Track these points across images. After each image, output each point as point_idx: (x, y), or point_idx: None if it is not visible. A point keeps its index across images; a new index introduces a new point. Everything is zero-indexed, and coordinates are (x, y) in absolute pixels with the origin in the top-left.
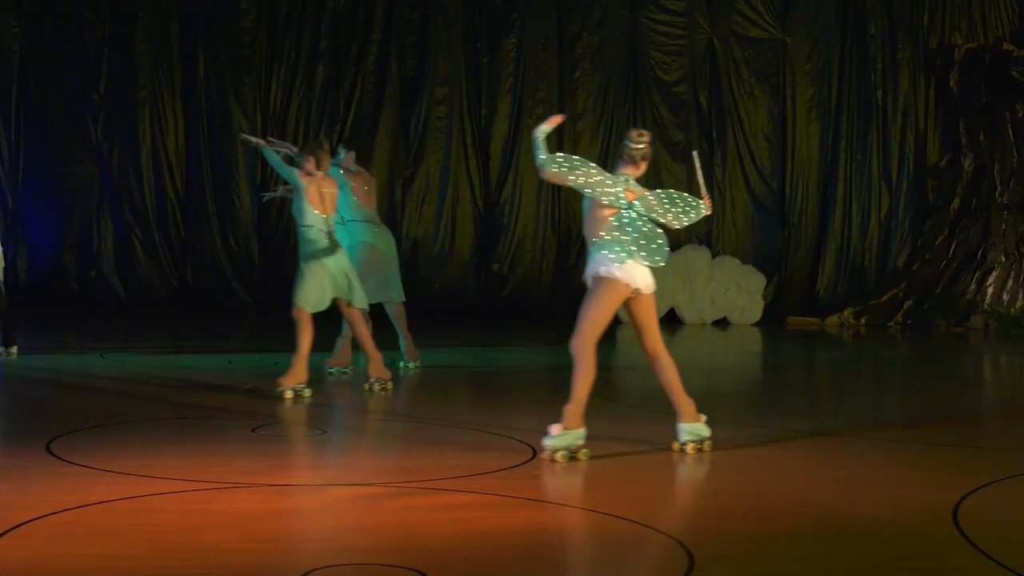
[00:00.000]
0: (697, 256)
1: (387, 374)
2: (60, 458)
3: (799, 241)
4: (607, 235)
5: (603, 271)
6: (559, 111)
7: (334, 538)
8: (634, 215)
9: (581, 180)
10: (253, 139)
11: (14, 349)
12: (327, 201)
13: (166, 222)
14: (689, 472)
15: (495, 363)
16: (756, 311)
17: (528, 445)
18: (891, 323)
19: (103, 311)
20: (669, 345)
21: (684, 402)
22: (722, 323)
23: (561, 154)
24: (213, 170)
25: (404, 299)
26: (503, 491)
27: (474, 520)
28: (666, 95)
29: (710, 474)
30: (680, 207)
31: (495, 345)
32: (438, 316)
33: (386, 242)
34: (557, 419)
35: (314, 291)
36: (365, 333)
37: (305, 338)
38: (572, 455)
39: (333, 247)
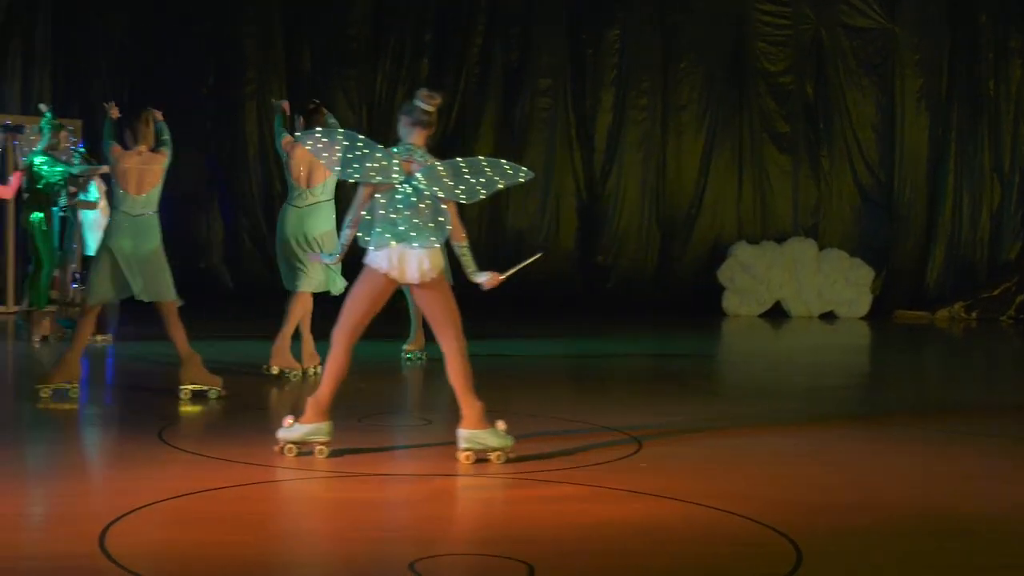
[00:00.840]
0: (803, 248)
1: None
2: (173, 445)
3: (907, 234)
4: (372, 216)
5: (365, 258)
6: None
7: (439, 528)
8: (410, 190)
9: (336, 157)
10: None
11: (109, 336)
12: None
13: (272, 214)
14: (795, 467)
15: (599, 355)
16: (864, 304)
17: (633, 437)
18: (1003, 317)
19: (211, 301)
20: (775, 339)
21: (468, 405)
22: (829, 316)
23: (320, 129)
24: None
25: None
26: (608, 483)
27: (580, 512)
28: (772, 86)
29: (816, 469)
30: (488, 175)
31: (598, 337)
32: (541, 308)
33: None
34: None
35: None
36: None
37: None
38: (305, 450)
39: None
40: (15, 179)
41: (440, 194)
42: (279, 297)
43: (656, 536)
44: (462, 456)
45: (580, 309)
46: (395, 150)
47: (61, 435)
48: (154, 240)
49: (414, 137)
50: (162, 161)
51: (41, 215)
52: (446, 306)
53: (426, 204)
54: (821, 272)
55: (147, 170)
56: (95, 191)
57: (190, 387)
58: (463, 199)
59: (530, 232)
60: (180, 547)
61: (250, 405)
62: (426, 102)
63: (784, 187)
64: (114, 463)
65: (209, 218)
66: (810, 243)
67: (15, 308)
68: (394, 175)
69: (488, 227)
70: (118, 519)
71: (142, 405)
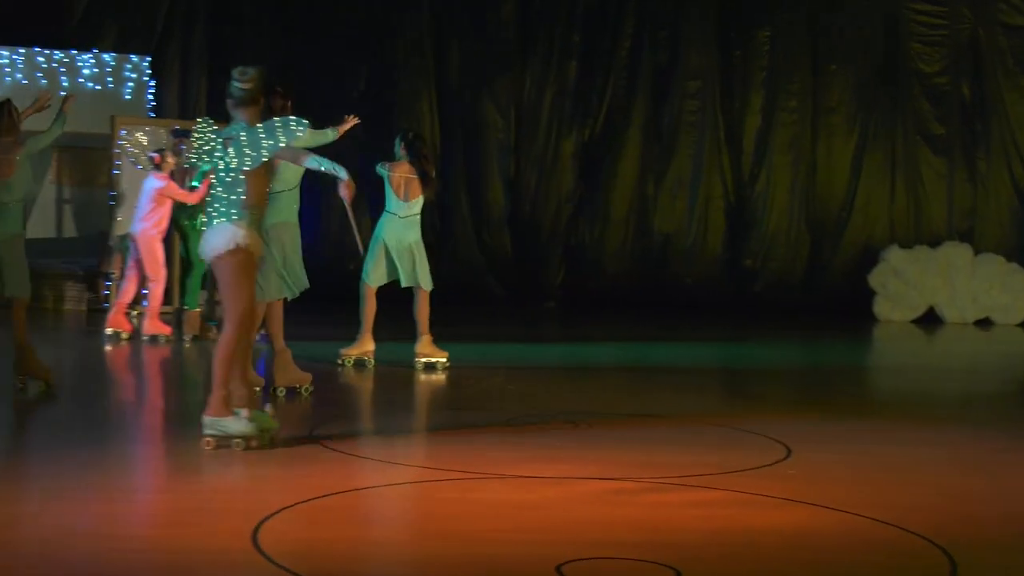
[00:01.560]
0: (958, 253)
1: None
2: (325, 445)
3: None
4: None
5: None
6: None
7: (586, 531)
8: (222, 167)
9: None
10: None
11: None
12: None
13: (421, 216)
14: (948, 477)
15: (746, 359)
16: (1021, 311)
17: (781, 443)
18: None
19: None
20: (928, 345)
21: (216, 390)
22: (984, 323)
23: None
24: (467, 166)
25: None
26: (756, 490)
27: (727, 518)
28: (927, 87)
29: (971, 479)
30: (276, 136)
31: (745, 341)
32: (689, 311)
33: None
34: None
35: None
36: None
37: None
38: (226, 444)
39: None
40: (203, 186)
41: (234, 164)
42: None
43: (807, 545)
44: (203, 443)
45: (727, 312)
46: (227, 130)
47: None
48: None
49: (240, 115)
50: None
51: (201, 216)
52: (228, 286)
53: (231, 178)
54: (976, 277)
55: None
56: None
57: None
58: (248, 165)
59: (677, 236)
60: (330, 545)
61: (401, 405)
62: (239, 79)
63: (938, 190)
64: (267, 460)
65: (359, 220)
66: (965, 247)
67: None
68: (216, 155)
69: (635, 231)
70: (271, 515)
71: (294, 404)
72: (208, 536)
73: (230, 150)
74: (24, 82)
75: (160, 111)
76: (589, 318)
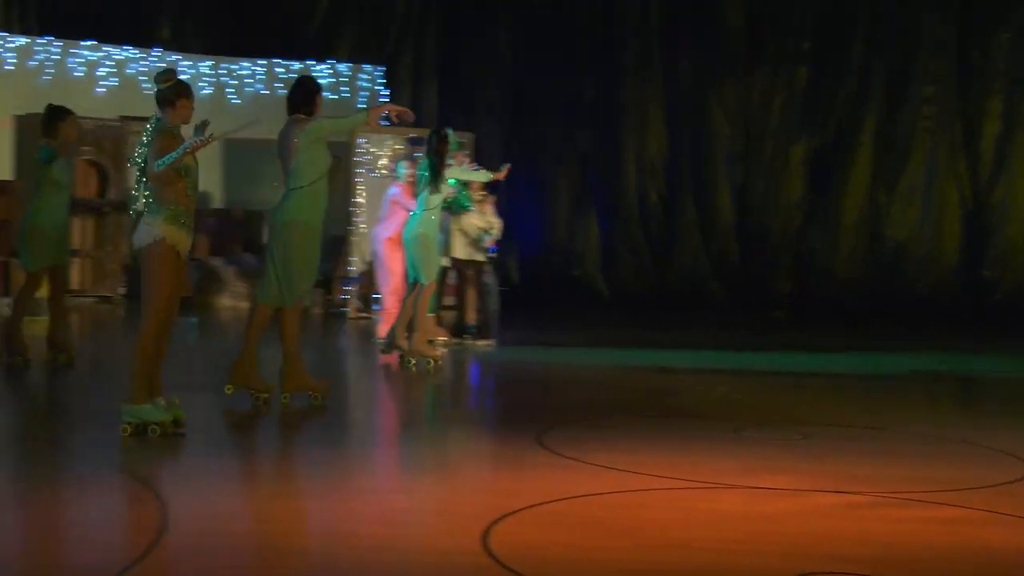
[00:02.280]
0: None
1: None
2: (550, 450)
3: None
4: None
5: None
6: None
7: (817, 545)
8: (141, 165)
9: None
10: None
11: (492, 342)
12: None
13: (648, 224)
14: None
15: (982, 370)
16: None
17: (1020, 460)
18: None
19: (586, 309)
20: None
21: (134, 379)
22: None
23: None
24: (693, 172)
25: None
26: (993, 507)
27: (963, 536)
28: None
29: None
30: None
31: (983, 351)
32: (922, 320)
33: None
34: None
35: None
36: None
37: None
38: (142, 430)
39: None
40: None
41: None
42: (650, 307)
43: None
44: (120, 430)
45: (963, 322)
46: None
47: (444, 435)
48: None
49: (160, 114)
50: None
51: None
52: (146, 278)
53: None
54: None
55: None
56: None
57: None
58: (143, 165)
59: (910, 243)
60: (559, 550)
61: (622, 410)
62: (157, 81)
63: None
64: (495, 464)
65: (586, 226)
66: None
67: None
68: (138, 152)
69: (866, 238)
70: (500, 519)
71: (520, 408)
72: (440, 537)
73: (142, 149)
74: (264, 92)
75: (391, 120)
76: (817, 326)
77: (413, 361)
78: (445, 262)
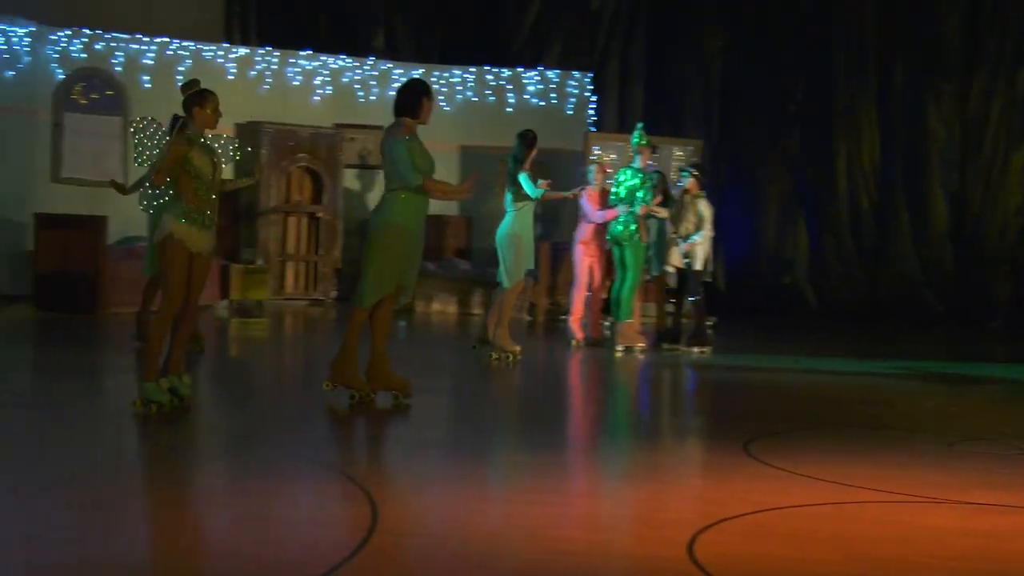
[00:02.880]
0: None
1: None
2: (757, 459)
3: None
4: None
5: None
6: None
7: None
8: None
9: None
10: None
11: (707, 349)
12: None
13: (859, 231)
14: None
15: None
16: None
17: None
18: None
19: (794, 317)
20: None
21: (147, 358)
22: None
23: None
24: (906, 179)
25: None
26: None
27: None
28: None
29: None
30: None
31: None
32: None
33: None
34: None
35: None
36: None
37: None
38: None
39: None
40: (610, 212)
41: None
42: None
43: None
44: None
45: None
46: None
47: (649, 441)
48: None
49: (191, 124)
50: None
51: (634, 227)
52: (163, 268)
53: None
54: None
55: None
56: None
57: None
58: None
59: None
60: (767, 562)
61: (824, 421)
62: (183, 89)
63: None
64: (701, 472)
65: (795, 234)
66: None
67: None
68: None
69: None
70: (706, 528)
71: (727, 416)
72: (644, 544)
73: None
74: (474, 99)
75: (600, 126)
76: None
77: (496, 356)
78: (669, 269)
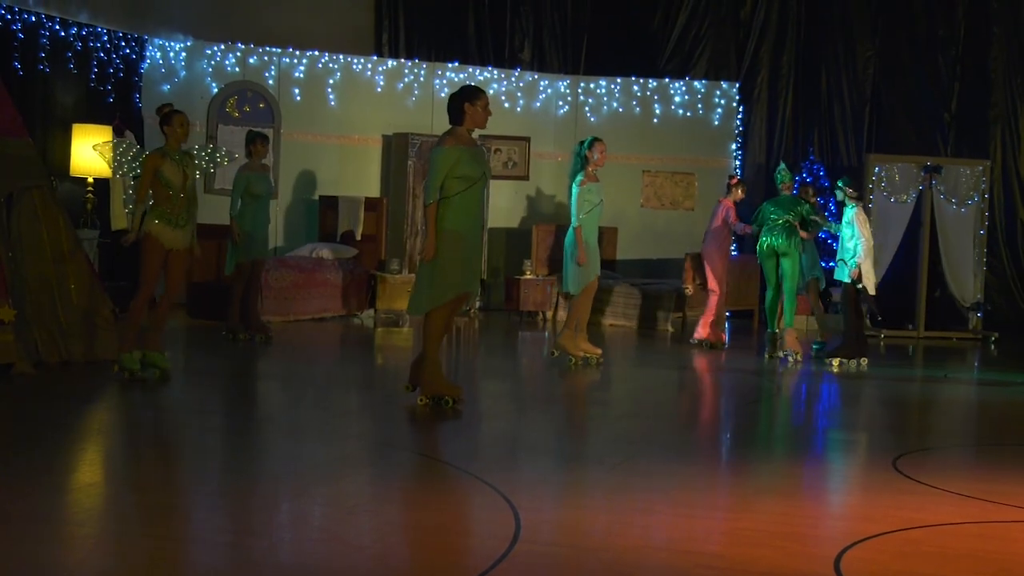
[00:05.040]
0: None
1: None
2: (907, 476)
3: None
4: None
5: None
6: None
7: None
8: None
9: None
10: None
11: (864, 361)
12: None
13: (1014, 242)
14: None
15: None
16: None
17: None
18: None
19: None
20: None
21: (124, 332)
22: None
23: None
24: None
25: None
26: None
27: None
28: None
29: None
30: None
31: None
32: None
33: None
34: None
35: None
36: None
37: None
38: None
39: None
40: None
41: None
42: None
43: None
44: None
45: None
46: None
47: (795, 454)
48: None
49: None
50: None
51: (795, 238)
52: (141, 264)
53: None
54: None
55: None
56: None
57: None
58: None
59: None
60: None
61: (989, 435)
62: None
63: None
64: (848, 488)
65: None
66: None
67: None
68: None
69: None
70: (853, 544)
71: (877, 430)
72: (789, 559)
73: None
74: (620, 110)
75: (746, 137)
76: None
77: (557, 352)
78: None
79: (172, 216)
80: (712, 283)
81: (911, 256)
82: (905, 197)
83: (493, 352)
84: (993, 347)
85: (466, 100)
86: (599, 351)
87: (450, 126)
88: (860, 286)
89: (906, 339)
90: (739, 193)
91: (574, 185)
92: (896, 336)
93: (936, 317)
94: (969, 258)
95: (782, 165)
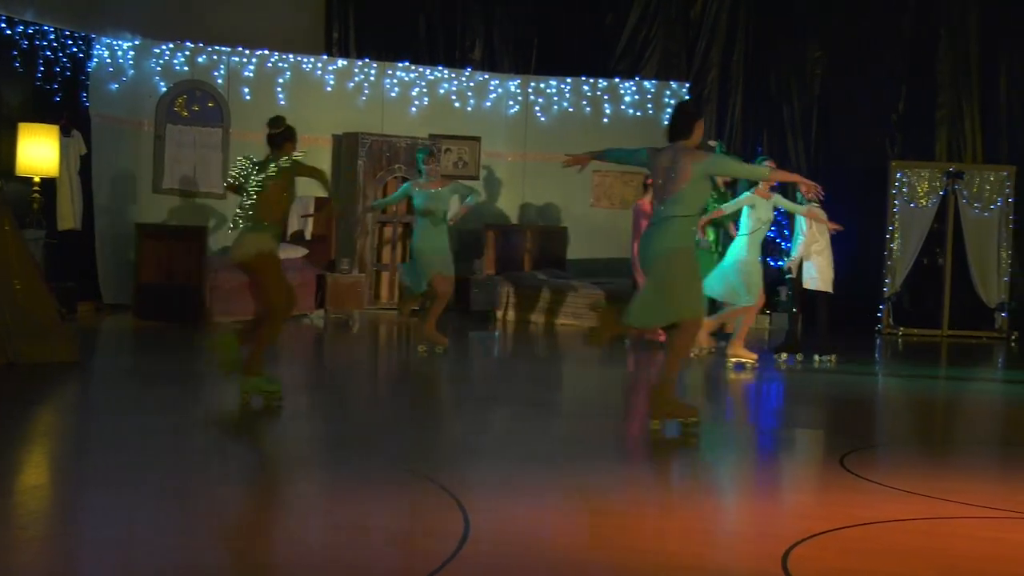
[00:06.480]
0: None
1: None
2: (854, 473)
3: None
4: None
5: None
6: None
7: None
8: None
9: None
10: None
11: (831, 357)
12: None
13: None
14: None
15: None
16: None
17: None
18: None
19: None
20: None
21: (251, 356)
22: None
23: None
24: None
25: None
26: None
27: None
28: None
29: None
30: None
31: None
32: None
33: None
34: None
35: None
36: None
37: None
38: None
39: None
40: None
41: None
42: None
43: None
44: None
45: None
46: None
47: (745, 453)
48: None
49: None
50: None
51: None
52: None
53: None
54: None
55: None
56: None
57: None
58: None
59: None
60: None
61: (939, 432)
62: (269, 126)
63: None
64: (798, 486)
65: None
66: None
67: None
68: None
69: None
70: (800, 542)
71: (827, 428)
72: (738, 558)
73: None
74: (570, 110)
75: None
76: None
77: (732, 361)
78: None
79: (278, 233)
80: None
81: (929, 258)
82: (926, 202)
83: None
84: (1014, 345)
85: (698, 118)
86: (755, 356)
87: (673, 141)
88: (788, 276)
89: (930, 338)
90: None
91: (745, 195)
92: (918, 334)
93: (965, 318)
94: (993, 260)
95: (719, 142)
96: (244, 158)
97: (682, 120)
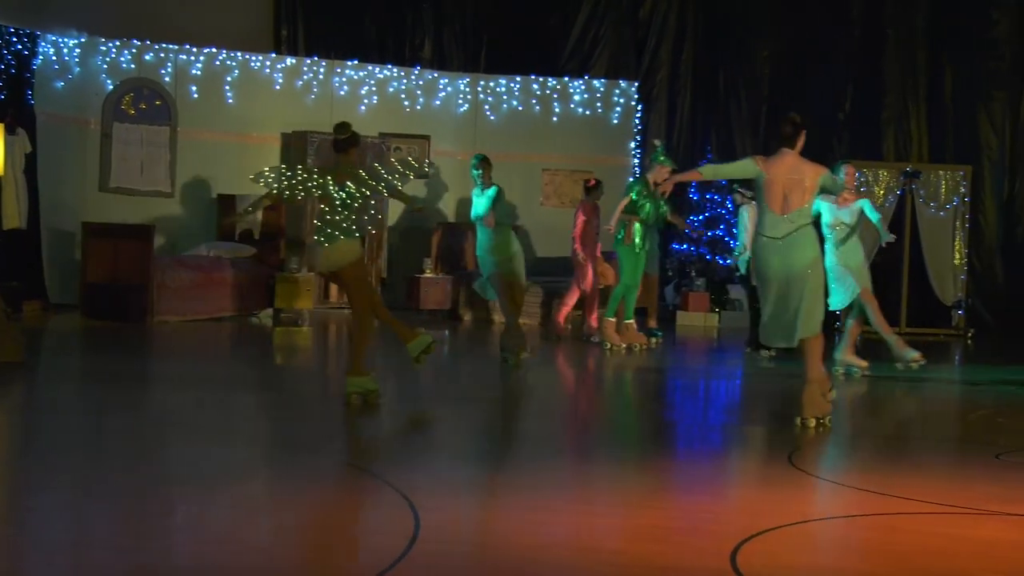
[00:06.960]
0: None
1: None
2: (802, 470)
3: None
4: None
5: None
6: None
7: None
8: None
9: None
10: None
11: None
12: None
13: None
14: None
15: None
16: None
17: None
18: None
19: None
20: None
21: (355, 358)
22: None
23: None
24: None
25: None
26: None
27: None
28: None
29: None
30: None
31: None
32: None
33: None
34: None
35: None
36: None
37: None
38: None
39: None
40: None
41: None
42: None
43: None
44: (354, 399)
45: None
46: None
47: (694, 450)
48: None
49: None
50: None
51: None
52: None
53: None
54: None
55: None
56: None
57: None
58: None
59: None
60: (808, 572)
61: (886, 430)
62: (336, 132)
63: None
64: (747, 483)
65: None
66: None
67: None
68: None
69: None
70: (749, 538)
71: (773, 427)
72: (687, 555)
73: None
74: (519, 108)
75: (646, 135)
76: None
77: (859, 373)
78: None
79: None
80: (588, 282)
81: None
82: (882, 201)
83: (390, 351)
84: (971, 342)
85: (805, 128)
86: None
87: (783, 149)
88: (739, 274)
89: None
90: (598, 195)
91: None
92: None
93: (922, 315)
94: (949, 259)
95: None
96: (277, 168)
97: (792, 129)
